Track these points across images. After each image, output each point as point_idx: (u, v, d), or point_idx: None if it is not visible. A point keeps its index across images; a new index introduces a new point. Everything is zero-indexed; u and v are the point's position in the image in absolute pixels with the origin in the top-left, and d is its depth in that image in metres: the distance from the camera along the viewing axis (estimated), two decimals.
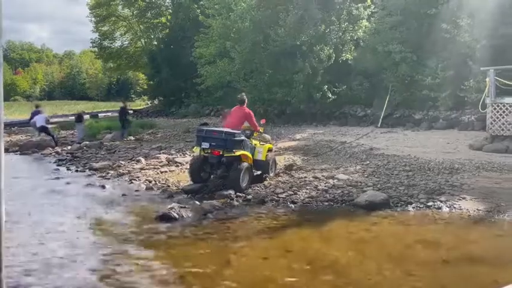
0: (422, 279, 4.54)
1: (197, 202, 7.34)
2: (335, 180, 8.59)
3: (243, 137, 8.34)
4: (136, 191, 8.72)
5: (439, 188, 7.79)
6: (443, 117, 15.05)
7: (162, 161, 11.39)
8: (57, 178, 10.20)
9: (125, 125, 17.41)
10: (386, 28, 16.50)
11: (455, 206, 7.01)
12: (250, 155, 8.47)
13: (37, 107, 18.66)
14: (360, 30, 18.00)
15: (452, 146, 11.75)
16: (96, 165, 11.38)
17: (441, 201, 7.17)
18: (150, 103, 36.37)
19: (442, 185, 7.98)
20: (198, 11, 24.40)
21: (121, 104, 19.12)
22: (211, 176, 8.57)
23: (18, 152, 14.95)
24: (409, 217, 6.71)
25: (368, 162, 10.17)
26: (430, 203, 7.10)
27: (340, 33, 17.72)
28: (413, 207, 7.02)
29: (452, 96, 14.84)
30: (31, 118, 17.32)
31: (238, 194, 7.83)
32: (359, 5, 17.82)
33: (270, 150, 9.22)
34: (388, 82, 16.52)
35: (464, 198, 7.28)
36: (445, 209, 6.90)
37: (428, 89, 15.33)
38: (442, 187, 7.85)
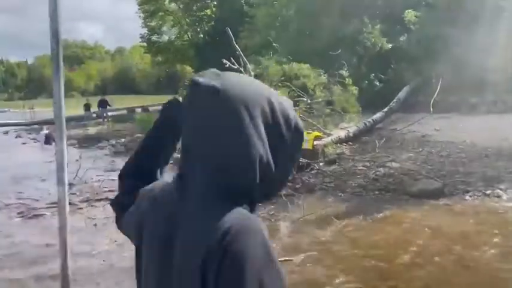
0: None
1: None
2: (386, 169, 8.39)
3: None
4: None
5: (498, 176, 7.41)
6: (501, 100, 14.23)
7: None
8: (113, 170, 10.66)
9: None
10: (437, 9, 15.79)
11: None
12: None
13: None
14: (410, 14, 17.33)
15: None
16: None
17: (501, 190, 6.82)
18: None
19: (502, 172, 7.58)
20: (243, 1, 24.46)
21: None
22: None
23: (77, 145, 15.78)
24: (465, 206, 6.44)
25: (420, 149, 9.84)
26: (488, 191, 6.78)
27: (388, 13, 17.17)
28: (470, 196, 6.73)
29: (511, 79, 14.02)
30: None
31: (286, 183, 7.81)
32: None
33: (318, 138, 9.12)
34: (440, 66, 15.82)
35: None
36: (505, 198, 6.57)
37: (484, 71, 14.53)
38: (501, 174, 7.46)
